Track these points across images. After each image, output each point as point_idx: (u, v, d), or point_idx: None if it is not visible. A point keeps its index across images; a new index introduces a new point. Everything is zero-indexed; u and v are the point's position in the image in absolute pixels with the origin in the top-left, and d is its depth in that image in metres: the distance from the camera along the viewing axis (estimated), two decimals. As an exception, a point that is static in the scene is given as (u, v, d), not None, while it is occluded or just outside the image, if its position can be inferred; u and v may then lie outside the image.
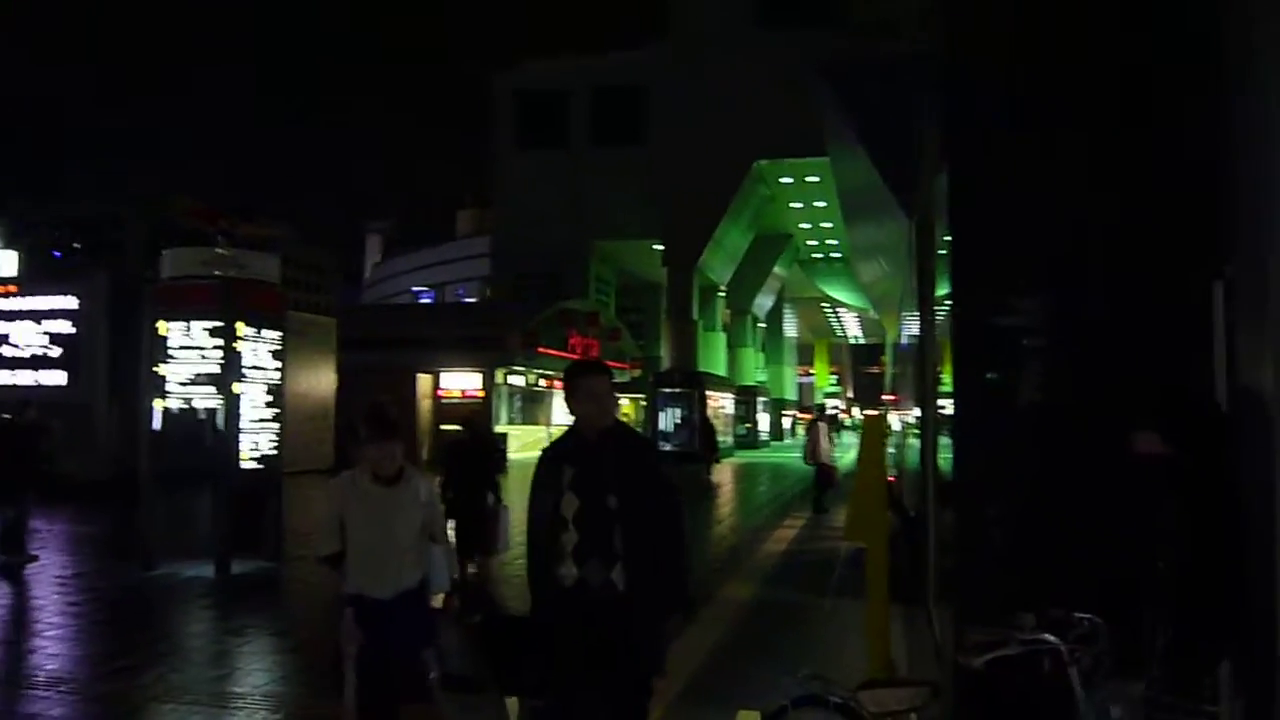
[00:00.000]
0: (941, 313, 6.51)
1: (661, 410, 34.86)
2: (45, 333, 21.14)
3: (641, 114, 45.04)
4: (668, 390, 35.32)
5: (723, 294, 48.00)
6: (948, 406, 5.82)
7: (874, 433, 6.51)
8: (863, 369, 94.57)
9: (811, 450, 18.21)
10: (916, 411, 9.04)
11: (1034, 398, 4.52)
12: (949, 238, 5.03)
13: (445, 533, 4.74)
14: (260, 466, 11.72)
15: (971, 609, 4.33)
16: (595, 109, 48.26)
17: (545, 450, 4.04)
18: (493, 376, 33.98)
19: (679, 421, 34.48)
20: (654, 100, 43.95)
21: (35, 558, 11.51)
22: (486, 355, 33.41)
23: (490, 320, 37.53)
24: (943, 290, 6.15)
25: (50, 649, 7.75)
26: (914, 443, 9.41)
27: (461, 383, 33.49)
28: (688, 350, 41.12)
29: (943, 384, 6.49)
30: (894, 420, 14.98)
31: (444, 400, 32.62)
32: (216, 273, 11.88)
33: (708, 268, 43.37)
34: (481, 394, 33.19)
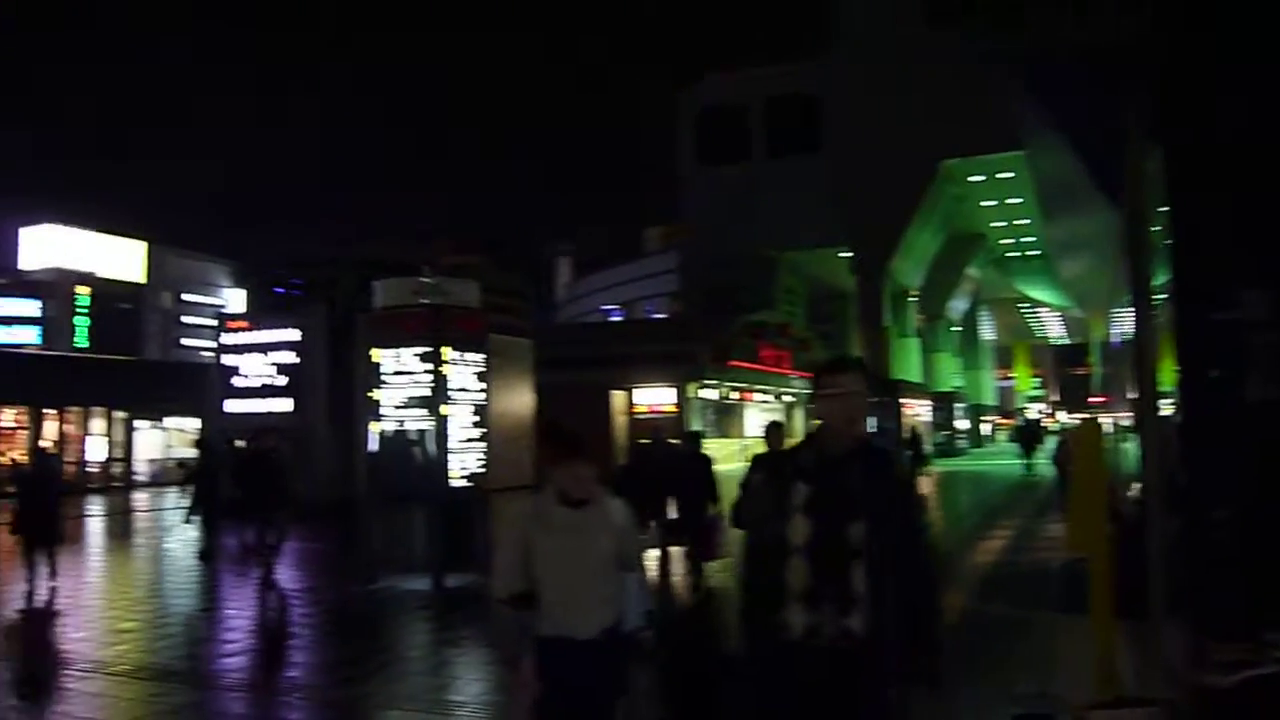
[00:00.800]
0: (1159, 307, 6.14)
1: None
2: (272, 363, 22.78)
3: (818, 122, 44.56)
4: (862, 399, 34.69)
5: (914, 299, 46.80)
6: (1169, 406, 5.47)
7: (1091, 438, 6.18)
8: (1067, 370, 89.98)
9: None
10: (1131, 413, 8.53)
11: (1264, 393, 4.21)
12: (1167, 228, 4.74)
13: (640, 559, 4.27)
14: (469, 485, 12.18)
15: (1211, 624, 4.04)
16: (770, 120, 48.03)
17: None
18: (684, 391, 34.24)
19: (874, 430, 33.90)
20: (830, 107, 43.42)
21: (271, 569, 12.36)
22: (678, 370, 33.69)
23: (680, 335, 37.84)
24: (1160, 283, 5.79)
25: (289, 657, 8.44)
26: (1130, 446, 8.88)
27: (654, 398, 33.90)
28: (881, 357, 40.34)
29: (1163, 383, 6.10)
30: (1106, 422, 14.20)
31: (637, 416, 33.10)
32: (423, 301, 12.47)
33: (898, 273, 42.43)
34: (674, 409, 33.48)
